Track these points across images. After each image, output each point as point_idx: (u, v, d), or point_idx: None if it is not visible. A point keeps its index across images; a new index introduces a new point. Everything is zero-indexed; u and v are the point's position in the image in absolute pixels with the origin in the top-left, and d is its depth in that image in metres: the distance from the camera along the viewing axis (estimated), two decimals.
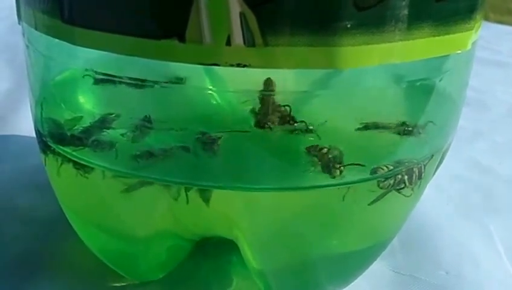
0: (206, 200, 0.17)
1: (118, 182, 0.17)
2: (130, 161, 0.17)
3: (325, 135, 0.17)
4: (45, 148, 0.19)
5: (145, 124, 0.17)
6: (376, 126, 0.17)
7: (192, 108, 0.18)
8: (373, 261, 0.20)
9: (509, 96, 0.43)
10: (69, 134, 0.18)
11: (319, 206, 0.17)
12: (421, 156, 0.18)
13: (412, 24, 0.15)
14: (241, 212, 0.18)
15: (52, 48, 0.17)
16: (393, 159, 0.17)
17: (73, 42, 0.16)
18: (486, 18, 0.64)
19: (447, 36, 0.16)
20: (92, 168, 0.18)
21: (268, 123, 0.16)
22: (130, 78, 0.16)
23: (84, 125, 0.18)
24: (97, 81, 0.17)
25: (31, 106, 0.20)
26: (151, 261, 0.21)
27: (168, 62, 0.15)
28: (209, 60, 0.14)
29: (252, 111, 0.16)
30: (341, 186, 0.17)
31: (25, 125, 0.31)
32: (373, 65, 0.15)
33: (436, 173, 0.21)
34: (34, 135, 0.20)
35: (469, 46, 0.17)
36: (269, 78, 0.16)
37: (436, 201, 0.27)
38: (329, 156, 0.16)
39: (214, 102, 0.18)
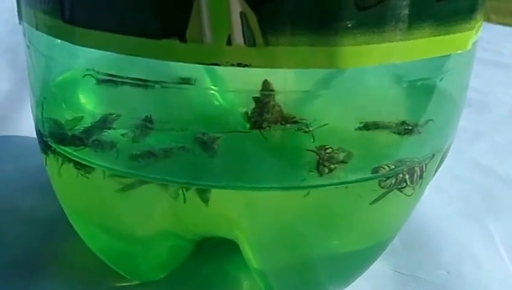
0: (206, 200, 0.17)
1: (119, 182, 0.18)
2: (130, 160, 0.17)
3: (325, 134, 0.17)
4: (46, 148, 0.19)
5: (146, 124, 0.17)
6: (377, 126, 0.17)
7: (193, 108, 0.18)
8: (374, 261, 0.20)
9: (510, 98, 0.43)
10: (69, 134, 0.18)
11: (320, 206, 0.17)
12: (422, 156, 0.18)
13: (412, 24, 0.15)
14: (242, 212, 0.18)
15: (53, 48, 0.18)
16: (394, 158, 0.17)
17: (74, 42, 0.16)
18: (488, 19, 0.64)
19: (447, 36, 0.16)
20: (93, 168, 0.18)
21: (269, 123, 0.16)
22: (131, 78, 0.16)
23: (85, 126, 0.18)
24: (98, 81, 0.17)
25: (31, 106, 0.20)
26: (152, 261, 0.21)
27: (168, 62, 0.15)
28: (210, 60, 0.14)
29: (252, 111, 0.16)
30: (342, 185, 0.17)
31: (25, 125, 0.31)
32: (374, 65, 0.15)
33: (437, 174, 0.21)
34: (34, 135, 0.20)
35: (469, 46, 0.17)
36: (266, 79, 0.16)
37: (436, 201, 0.27)
38: (331, 156, 0.16)
39: (215, 102, 0.18)
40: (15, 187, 0.27)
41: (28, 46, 0.19)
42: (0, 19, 0.48)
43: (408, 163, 0.18)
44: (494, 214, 0.27)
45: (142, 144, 0.17)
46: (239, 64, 0.14)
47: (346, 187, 0.17)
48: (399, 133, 0.17)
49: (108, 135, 0.17)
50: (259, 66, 0.14)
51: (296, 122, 0.16)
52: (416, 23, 0.15)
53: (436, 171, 0.20)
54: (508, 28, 0.63)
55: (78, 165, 0.18)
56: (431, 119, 0.18)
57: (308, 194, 0.17)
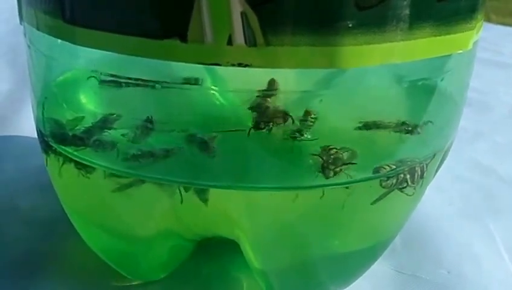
0: (206, 201, 0.17)
1: (120, 182, 0.18)
2: (131, 160, 0.17)
3: (327, 134, 0.17)
4: (47, 148, 0.19)
5: (147, 124, 0.17)
6: (377, 126, 0.17)
7: (193, 108, 0.18)
8: (375, 261, 0.20)
9: (510, 98, 0.43)
10: (70, 134, 0.18)
11: (321, 206, 0.17)
12: (423, 156, 0.18)
13: (413, 24, 0.15)
14: (242, 213, 0.18)
15: (54, 48, 0.18)
16: (395, 158, 0.17)
17: (74, 42, 0.16)
18: (488, 19, 0.64)
19: (448, 36, 0.16)
20: (94, 168, 0.18)
21: (269, 123, 0.16)
22: (132, 79, 0.16)
23: (86, 126, 0.18)
24: (99, 82, 0.17)
25: (32, 106, 0.20)
26: (152, 261, 0.21)
27: (169, 62, 0.15)
28: (211, 60, 0.14)
29: (253, 111, 0.16)
30: (343, 185, 0.17)
31: (26, 125, 0.31)
32: (374, 65, 0.15)
33: (438, 174, 0.21)
34: (35, 135, 0.20)
35: (470, 46, 0.17)
36: (273, 78, 0.16)
37: (437, 201, 0.27)
38: (336, 157, 0.16)
39: (216, 102, 0.18)
40: (15, 187, 0.27)
41: (29, 46, 0.19)
42: (1, 18, 0.48)
43: (409, 163, 0.18)
44: (495, 214, 0.27)
45: (142, 144, 0.17)
46: (240, 64, 0.14)
47: (347, 187, 0.17)
48: (400, 133, 0.17)
49: (109, 135, 0.17)
50: (260, 66, 0.14)
51: (296, 122, 0.16)
52: (417, 23, 0.15)
53: (437, 171, 0.20)
54: (508, 28, 0.63)
55: (79, 165, 0.18)
56: (431, 119, 0.18)
57: (309, 194, 0.17)
